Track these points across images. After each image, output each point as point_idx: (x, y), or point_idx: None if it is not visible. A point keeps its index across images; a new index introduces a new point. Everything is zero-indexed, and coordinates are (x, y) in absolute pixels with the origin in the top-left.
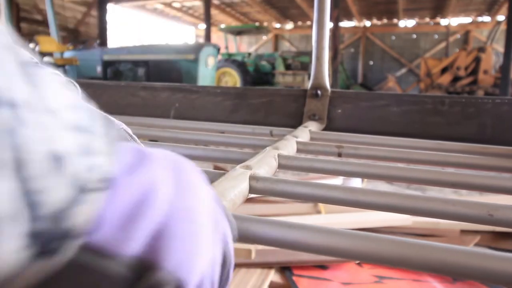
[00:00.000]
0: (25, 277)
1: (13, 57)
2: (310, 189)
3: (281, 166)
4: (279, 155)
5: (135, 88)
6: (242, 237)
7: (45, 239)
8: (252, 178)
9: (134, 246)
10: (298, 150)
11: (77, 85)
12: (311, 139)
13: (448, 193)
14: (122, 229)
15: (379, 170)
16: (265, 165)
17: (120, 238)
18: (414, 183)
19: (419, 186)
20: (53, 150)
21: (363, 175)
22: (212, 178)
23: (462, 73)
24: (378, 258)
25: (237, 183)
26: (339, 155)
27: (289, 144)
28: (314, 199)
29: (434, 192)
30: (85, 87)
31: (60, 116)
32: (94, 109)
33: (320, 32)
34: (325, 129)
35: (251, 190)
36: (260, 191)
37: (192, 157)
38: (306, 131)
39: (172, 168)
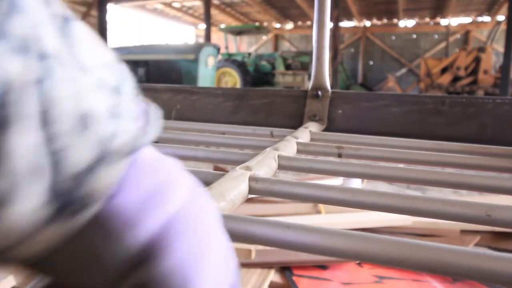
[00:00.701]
0: (43, 237)
1: (47, 9)
2: (310, 190)
3: (281, 167)
4: (279, 156)
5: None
6: (241, 237)
7: (65, 199)
8: (252, 179)
9: (145, 229)
10: (298, 151)
11: None
12: (311, 139)
13: (448, 193)
14: (141, 206)
15: (380, 171)
16: (265, 166)
17: (135, 214)
18: (414, 183)
19: (419, 186)
20: (82, 108)
21: (363, 176)
22: (212, 179)
23: (462, 73)
24: (377, 258)
25: (236, 184)
26: (339, 155)
27: (289, 145)
28: (314, 200)
29: (434, 192)
30: None
31: (92, 74)
32: (128, 71)
33: (321, 32)
34: (325, 129)
35: (251, 191)
36: (259, 191)
37: (193, 158)
38: (307, 132)
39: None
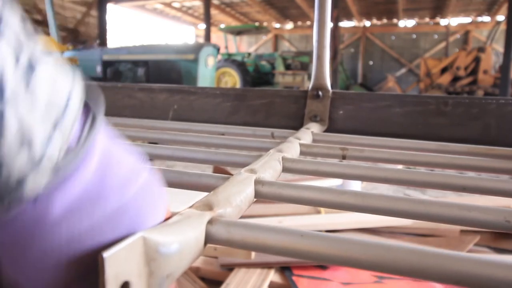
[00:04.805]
0: None
1: (19, 52)
2: (318, 194)
3: (285, 169)
4: (283, 158)
5: (132, 90)
6: (251, 246)
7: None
8: (258, 182)
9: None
10: (302, 153)
11: None
12: (314, 141)
13: (448, 193)
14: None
15: (385, 173)
16: (269, 168)
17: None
18: (423, 187)
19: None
20: (24, 137)
21: (369, 179)
22: (216, 183)
23: (462, 73)
24: (397, 269)
25: (242, 188)
26: (344, 157)
27: (293, 147)
28: (321, 204)
29: (433, 192)
30: None
31: (39, 109)
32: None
33: (321, 32)
34: (326, 130)
35: (257, 194)
36: (265, 195)
37: (195, 160)
38: (309, 133)
39: None
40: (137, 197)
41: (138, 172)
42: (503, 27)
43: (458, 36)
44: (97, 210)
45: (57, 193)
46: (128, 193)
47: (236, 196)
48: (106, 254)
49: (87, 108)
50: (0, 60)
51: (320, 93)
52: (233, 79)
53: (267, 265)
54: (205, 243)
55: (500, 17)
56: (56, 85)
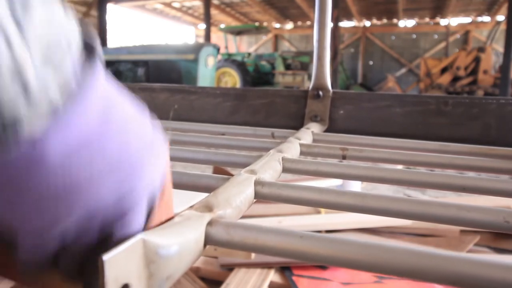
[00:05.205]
0: None
1: None
2: (317, 195)
3: (286, 170)
4: (283, 158)
5: (133, 89)
6: (250, 247)
7: None
8: (258, 183)
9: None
10: (302, 153)
11: None
12: (314, 141)
13: (448, 193)
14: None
15: (386, 174)
16: (269, 169)
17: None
18: (422, 187)
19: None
20: (21, 68)
21: (369, 179)
22: (216, 184)
23: (462, 73)
24: (398, 271)
25: (242, 189)
26: (344, 157)
27: (293, 147)
28: (321, 205)
29: (432, 192)
30: None
31: (36, 43)
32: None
33: (322, 32)
34: (327, 130)
35: (257, 195)
36: (266, 196)
37: (195, 161)
38: (309, 133)
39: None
40: (138, 146)
41: (139, 121)
42: (503, 27)
43: (458, 36)
44: (97, 158)
45: (55, 136)
46: (129, 141)
47: (236, 197)
48: (105, 257)
49: (86, 50)
50: None
51: (320, 93)
52: (233, 79)
53: (267, 265)
54: (205, 244)
55: (500, 17)
56: (55, 24)
